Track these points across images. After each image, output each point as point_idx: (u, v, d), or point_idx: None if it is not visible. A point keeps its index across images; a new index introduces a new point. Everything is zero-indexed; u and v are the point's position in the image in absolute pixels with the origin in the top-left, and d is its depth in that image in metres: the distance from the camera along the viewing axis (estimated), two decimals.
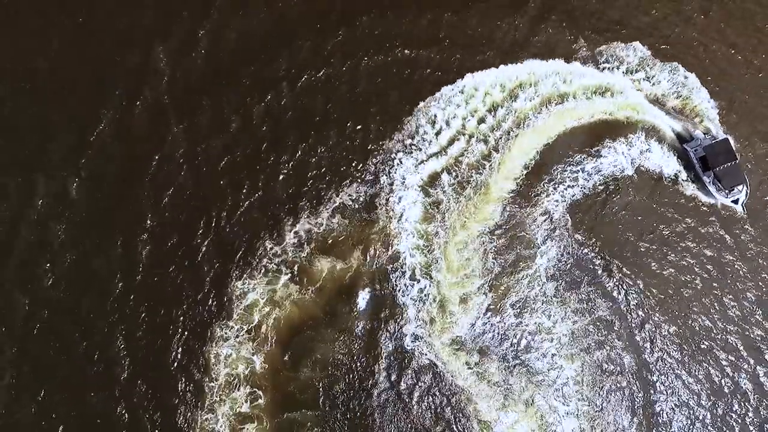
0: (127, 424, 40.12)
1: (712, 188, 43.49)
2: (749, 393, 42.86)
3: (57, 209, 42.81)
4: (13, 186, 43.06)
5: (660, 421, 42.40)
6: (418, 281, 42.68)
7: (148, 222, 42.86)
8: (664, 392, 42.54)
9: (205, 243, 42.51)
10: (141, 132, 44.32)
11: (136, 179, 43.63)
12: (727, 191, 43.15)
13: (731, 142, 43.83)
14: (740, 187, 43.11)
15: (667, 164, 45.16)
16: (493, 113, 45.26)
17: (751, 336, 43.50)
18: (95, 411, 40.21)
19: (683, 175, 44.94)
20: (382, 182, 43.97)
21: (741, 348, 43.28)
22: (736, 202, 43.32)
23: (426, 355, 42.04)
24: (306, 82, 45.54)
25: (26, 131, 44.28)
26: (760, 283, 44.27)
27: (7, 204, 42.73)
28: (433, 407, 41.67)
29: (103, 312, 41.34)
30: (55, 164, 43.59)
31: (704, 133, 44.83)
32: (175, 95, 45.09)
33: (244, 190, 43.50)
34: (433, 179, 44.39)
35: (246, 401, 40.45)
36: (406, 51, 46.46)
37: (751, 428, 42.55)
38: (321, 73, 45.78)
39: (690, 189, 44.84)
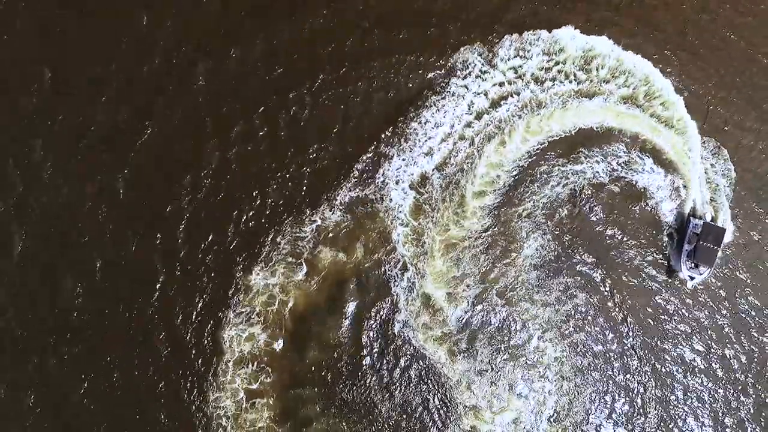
0: (140, 402, 43.33)
1: (683, 257, 46.33)
2: (715, 377, 46.61)
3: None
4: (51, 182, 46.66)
5: (632, 397, 46.16)
6: (408, 271, 46.18)
7: (164, 215, 46.17)
8: (639, 372, 46.40)
9: (218, 237, 45.94)
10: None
11: (148, 180, 46.94)
12: (693, 265, 46.06)
13: (727, 234, 46.93)
14: (704, 269, 46.05)
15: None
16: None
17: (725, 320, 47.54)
18: (112, 392, 43.51)
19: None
20: (378, 181, 47.30)
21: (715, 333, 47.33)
22: (692, 278, 46.23)
23: (414, 342, 45.51)
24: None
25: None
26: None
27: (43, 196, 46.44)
28: (420, 391, 45.01)
29: (123, 300, 44.74)
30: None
31: (712, 218, 47.74)
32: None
33: (255, 189, 46.90)
34: (424, 178, 47.75)
35: (255, 379, 43.76)
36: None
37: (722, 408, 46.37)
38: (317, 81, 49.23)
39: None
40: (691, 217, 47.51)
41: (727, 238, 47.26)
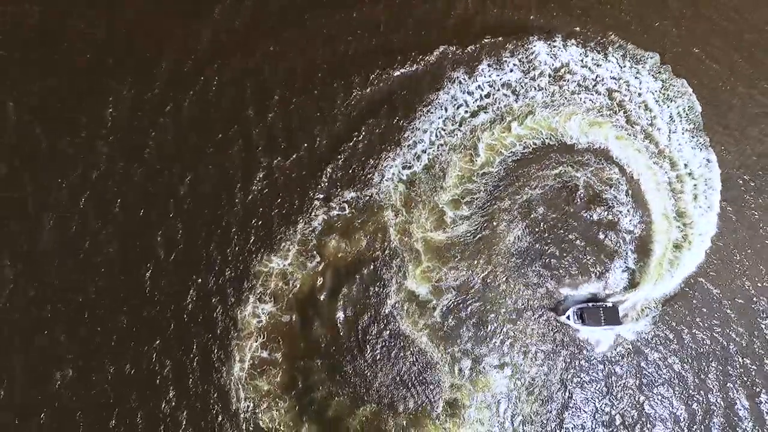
0: (159, 377, 47.90)
1: (579, 305, 51.73)
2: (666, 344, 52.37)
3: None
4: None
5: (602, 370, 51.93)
6: (398, 259, 51.64)
7: (184, 204, 51.32)
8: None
9: (232, 229, 51.31)
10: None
11: (168, 171, 51.96)
12: (579, 316, 51.38)
13: (617, 330, 52.09)
14: (580, 325, 51.33)
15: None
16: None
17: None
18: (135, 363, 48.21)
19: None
20: (375, 180, 52.96)
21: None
22: (568, 318, 51.60)
23: (402, 326, 50.91)
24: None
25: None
26: None
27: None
28: (409, 367, 50.26)
29: (151, 281, 49.67)
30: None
31: (623, 315, 52.59)
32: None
33: (269, 186, 52.28)
34: (413, 179, 53.45)
35: (264, 350, 48.89)
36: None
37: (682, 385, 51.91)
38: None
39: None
40: (618, 300, 52.58)
41: (614, 332, 52.07)
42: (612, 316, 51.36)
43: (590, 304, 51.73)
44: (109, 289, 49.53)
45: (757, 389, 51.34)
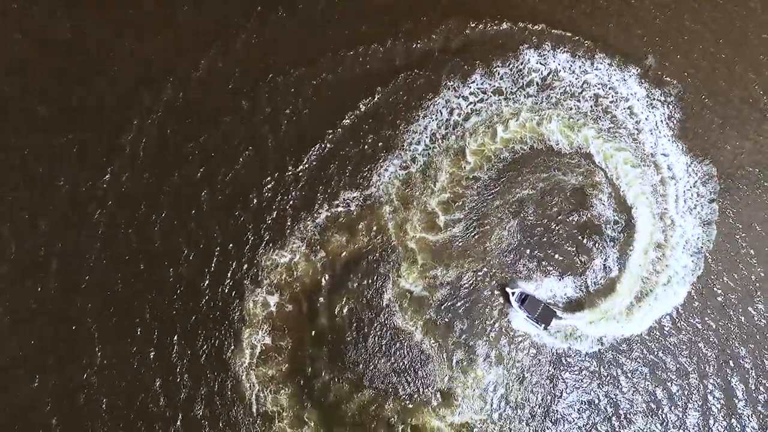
0: (173, 364, 50.77)
1: (527, 292, 53.13)
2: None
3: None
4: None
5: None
6: (394, 256, 54.09)
7: (202, 199, 53.96)
8: None
9: (243, 226, 53.92)
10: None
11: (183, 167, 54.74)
12: (520, 301, 52.79)
13: (539, 329, 53.29)
14: (518, 306, 52.77)
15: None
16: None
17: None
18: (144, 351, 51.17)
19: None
20: (374, 180, 55.39)
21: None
22: (512, 294, 52.94)
23: (399, 319, 53.33)
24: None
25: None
26: None
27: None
28: (406, 356, 52.59)
29: (165, 273, 52.55)
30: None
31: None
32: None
33: (276, 186, 54.80)
34: (409, 179, 55.66)
35: (269, 338, 51.57)
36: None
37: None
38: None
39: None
40: (556, 311, 53.94)
41: (536, 328, 53.51)
42: (545, 317, 52.34)
43: (536, 296, 53.25)
44: (130, 283, 52.58)
45: (754, 383, 52.86)
